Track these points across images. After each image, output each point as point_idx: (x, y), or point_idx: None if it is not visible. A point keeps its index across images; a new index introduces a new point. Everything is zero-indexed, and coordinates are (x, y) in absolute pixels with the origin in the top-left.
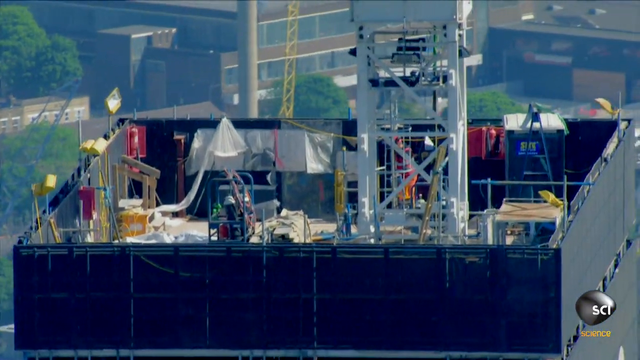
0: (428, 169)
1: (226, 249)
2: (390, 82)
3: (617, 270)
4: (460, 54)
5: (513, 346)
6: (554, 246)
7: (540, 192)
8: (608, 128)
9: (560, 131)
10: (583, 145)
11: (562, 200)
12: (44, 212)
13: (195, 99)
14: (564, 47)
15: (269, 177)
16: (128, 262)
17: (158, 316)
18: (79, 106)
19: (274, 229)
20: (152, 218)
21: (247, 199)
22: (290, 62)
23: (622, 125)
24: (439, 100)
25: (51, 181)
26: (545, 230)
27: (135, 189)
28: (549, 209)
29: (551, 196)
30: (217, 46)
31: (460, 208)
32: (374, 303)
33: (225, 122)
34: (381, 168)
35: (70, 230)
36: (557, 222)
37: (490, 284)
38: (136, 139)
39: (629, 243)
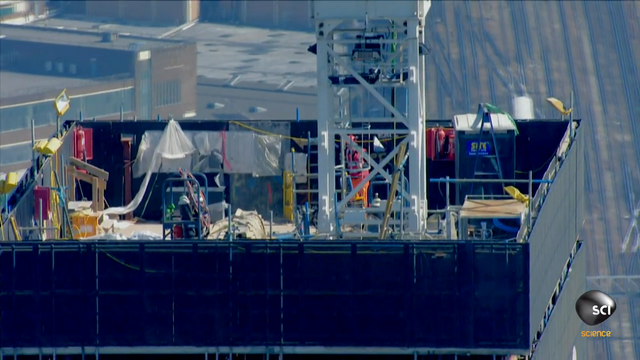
0: (385, 167)
1: (192, 246)
2: (350, 80)
3: (570, 270)
4: (420, 51)
5: (481, 342)
6: (521, 241)
7: (505, 188)
8: (557, 129)
9: (510, 131)
10: (533, 145)
11: (527, 196)
12: (3, 210)
13: None
14: None
15: (217, 179)
16: (93, 259)
17: (123, 313)
18: None
19: None
20: (100, 220)
21: (201, 199)
22: None
23: (573, 125)
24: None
25: (13, 179)
26: (497, 230)
27: (83, 191)
28: (513, 205)
29: (516, 192)
30: None
31: (420, 206)
32: (341, 299)
33: (172, 124)
34: (339, 166)
35: (27, 229)
36: (522, 217)
37: (458, 279)
38: (83, 141)
39: (579, 244)
